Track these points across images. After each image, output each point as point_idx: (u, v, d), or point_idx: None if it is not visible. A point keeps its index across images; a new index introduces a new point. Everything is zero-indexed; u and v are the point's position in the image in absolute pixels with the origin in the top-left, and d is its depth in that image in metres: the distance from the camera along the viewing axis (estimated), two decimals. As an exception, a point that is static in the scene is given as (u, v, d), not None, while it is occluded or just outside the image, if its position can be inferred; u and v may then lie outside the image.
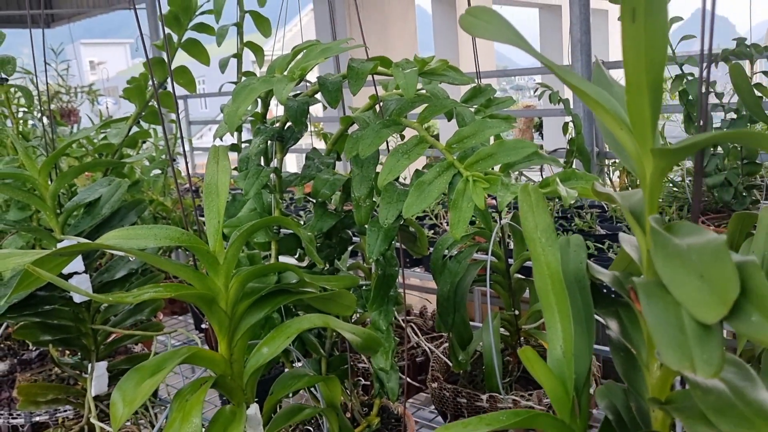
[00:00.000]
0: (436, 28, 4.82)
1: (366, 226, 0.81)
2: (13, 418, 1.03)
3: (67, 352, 1.08)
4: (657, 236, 0.34)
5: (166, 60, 1.27)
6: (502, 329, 1.09)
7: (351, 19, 3.91)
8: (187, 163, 1.01)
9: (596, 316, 0.53)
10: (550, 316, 0.49)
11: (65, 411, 0.99)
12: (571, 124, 2.26)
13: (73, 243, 0.59)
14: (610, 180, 2.75)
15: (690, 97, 1.93)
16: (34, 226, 0.91)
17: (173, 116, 1.89)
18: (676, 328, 0.30)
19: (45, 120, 1.95)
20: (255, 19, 1.29)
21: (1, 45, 1.06)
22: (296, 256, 0.92)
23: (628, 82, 0.37)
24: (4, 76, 1.06)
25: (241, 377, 0.62)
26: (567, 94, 2.59)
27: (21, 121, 1.57)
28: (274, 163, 0.88)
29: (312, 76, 0.86)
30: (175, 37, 1.25)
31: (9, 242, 1.14)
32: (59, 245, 0.83)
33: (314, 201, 0.89)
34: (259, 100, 0.93)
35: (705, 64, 0.45)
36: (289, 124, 0.87)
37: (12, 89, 1.10)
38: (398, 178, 0.78)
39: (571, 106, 2.36)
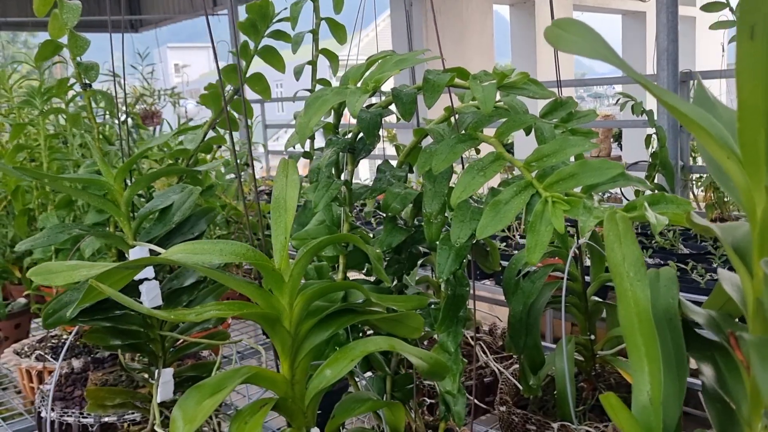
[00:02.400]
0: (514, 35, 4.74)
1: (437, 243, 0.77)
2: (84, 417, 1.05)
3: (138, 355, 1.10)
4: (772, 286, 0.30)
5: (242, 67, 1.28)
6: (576, 354, 1.04)
7: (428, 25, 3.88)
8: (253, 169, 1.01)
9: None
10: (637, 359, 0.45)
11: (133, 414, 1.00)
12: (654, 137, 2.16)
13: (142, 254, 0.58)
14: (694, 195, 2.62)
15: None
16: (107, 232, 0.92)
17: (249, 121, 1.91)
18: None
19: (127, 122, 2.01)
20: (331, 26, 1.28)
21: (86, 51, 1.08)
22: (364, 271, 0.90)
23: (741, 107, 0.33)
24: (87, 81, 1.08)
25: (303, 400, 0.60)
26: (650, 104, 2.49)
27: (106, 125, 1.62)
28: (345, 174, 0.86)
29: (386, 85, 0.84)
30: (251, 44, 1.26)
31: (87, 244, 1.16)
32: (131, 251, 0.84)
33: (384, 215, 0.86)
34: (331, 110, 0.91)
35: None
36: (360, 135, 0.85)
37: (95, 94, 1.12)
38: (471, 195, 0.75)
39: (655, 118, 2.27)
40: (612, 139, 6.43)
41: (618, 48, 6.26)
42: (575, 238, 0.97)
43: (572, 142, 0.66)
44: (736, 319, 0.48)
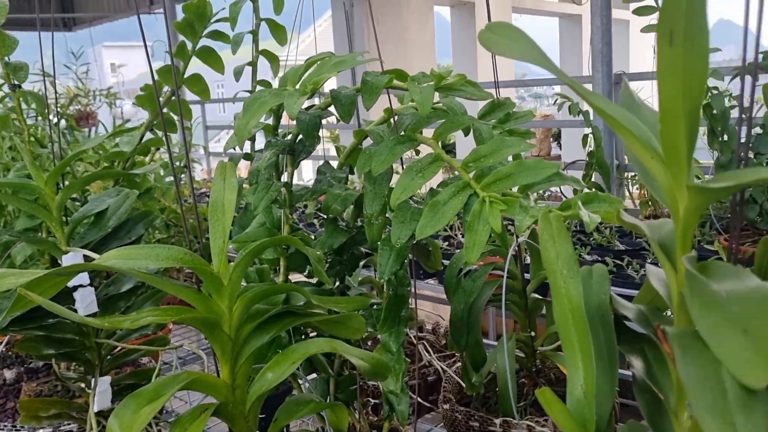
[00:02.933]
0: (455, 35, 4.80)
1: (378, 244, 0.78)
2: (17, 430, 1.01)
3: (74, 364, 1.06)
4: (693, 281, 0.31)
5: (179, 68, 1.25)
6: (517, 350, 1.06)
7: (369, 27, 3.89)
8: (190, 171, 1.00)
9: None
10: (571, 354, 0.46)
11: (69, 424, 0.97)
12: (591, 137, 2.22)
13: (75, 261, 0.57)
14: (629, 193, 2.70)
15: (714, 111, 1.88)
16: (39, 238, 0.89)
17: (187, 123, 1.88)
18: (717, 391, 0.27)
19: (59, 124, 1.95)
20: (271, 27, 1.27)
21: (14, 51, 1.04)
22: (306, 273, 0.90)
23: (663, 110, 0.34)
24: (16, 82, 1.05)
25: (244, 404, 0.59)
26: (587, 105, 2.55)
27: (38, 128, 1.57)
28: (285, 176, 0.86)
29: (327, 86, 0.83)
30: (189, 45, 1.23)
31: (18, 250, 1.12)
32: (64, 257, 0.81)
33: (326, 216, 0.86)
34: (271, 112, 0.91)
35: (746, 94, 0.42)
36: (300, 137, 0.85)
37: (26, 95, 1.08)
38: (412, 195, 0.76)
39: (592, 118, 2.33)
40: (552, 139, 6.58)
41: (555, 50, 6.42)
42: (515, 236, 0.99)
43: (509, 142, 0.67)
44: (667, 313, 0.50)
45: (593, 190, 2.14)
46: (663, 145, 0.36)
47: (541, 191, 2.64)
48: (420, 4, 4.17)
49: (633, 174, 2.52)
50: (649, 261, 1.93)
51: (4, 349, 1.22)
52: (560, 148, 6.18)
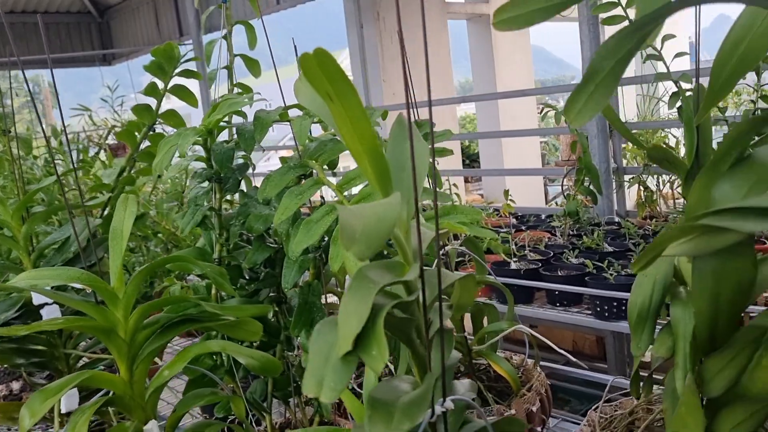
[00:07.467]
0: (472, 47, 4.87)
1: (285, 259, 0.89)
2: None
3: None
4: (357, 275, 0.41)
5: (153, 105, 1.39)
6: (454, 350, 1.15)
7: (383, 46, 4.01)
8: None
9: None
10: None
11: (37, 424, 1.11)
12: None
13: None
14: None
15: (689, 113, 1.92)
16: (5, 263, 1.03)
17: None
18: (324, 358, 0.37)
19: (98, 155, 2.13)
20: (246, 62, 1.39)
21: None
22: (237, 286, 1.01)
23: (352, 152, 0.44)
24: (4, 128, 1.20)
25: (143, 397, 0.71)
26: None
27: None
28: (214, 203, 0.98)
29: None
30: (160, 84, 1.37)
31: None
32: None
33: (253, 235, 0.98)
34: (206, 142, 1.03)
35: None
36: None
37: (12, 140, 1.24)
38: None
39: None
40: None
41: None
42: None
43: (372, 166, 0.77)
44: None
45: (577, 195, 2.19)
46: (364, 173, 0.46)
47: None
48: (433, 20, 4.27)
49: (631, 176, 2.57)
50: (632, 261, 1.97)
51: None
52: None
